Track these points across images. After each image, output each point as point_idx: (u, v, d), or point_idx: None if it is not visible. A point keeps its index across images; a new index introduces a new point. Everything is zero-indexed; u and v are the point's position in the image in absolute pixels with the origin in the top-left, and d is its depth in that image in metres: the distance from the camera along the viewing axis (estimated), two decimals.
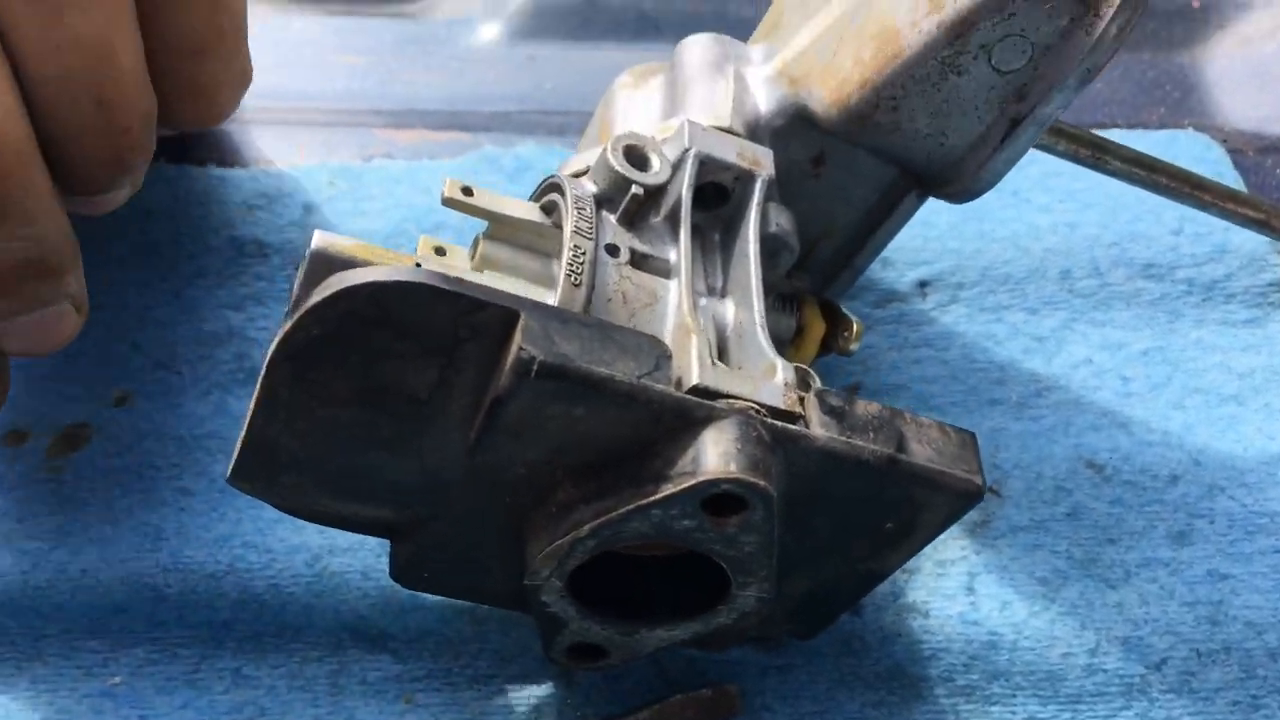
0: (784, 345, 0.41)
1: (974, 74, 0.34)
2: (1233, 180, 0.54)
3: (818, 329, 0.41)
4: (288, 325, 0.28)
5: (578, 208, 0.34)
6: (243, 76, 0.44)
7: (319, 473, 0.31)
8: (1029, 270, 0.51)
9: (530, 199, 0.38)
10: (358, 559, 0.42)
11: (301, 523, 0.36)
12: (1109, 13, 0.32)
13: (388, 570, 0.37)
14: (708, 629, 0.35)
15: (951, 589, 0.43)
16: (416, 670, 0.40)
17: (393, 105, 0.59)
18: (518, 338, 0.29)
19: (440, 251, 0.37)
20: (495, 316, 0.29)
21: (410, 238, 0.52)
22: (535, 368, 0.28)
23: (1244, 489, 0.45)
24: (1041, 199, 0.53)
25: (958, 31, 0.33)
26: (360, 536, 0.41)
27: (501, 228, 0.36)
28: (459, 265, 0.37)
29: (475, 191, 0.36)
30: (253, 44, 0.45)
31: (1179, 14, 0.64)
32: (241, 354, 0.48)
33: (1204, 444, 0.46)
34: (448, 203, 0.36)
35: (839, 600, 0.38)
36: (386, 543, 0.37)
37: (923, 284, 0.51)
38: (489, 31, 0.62)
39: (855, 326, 0.41)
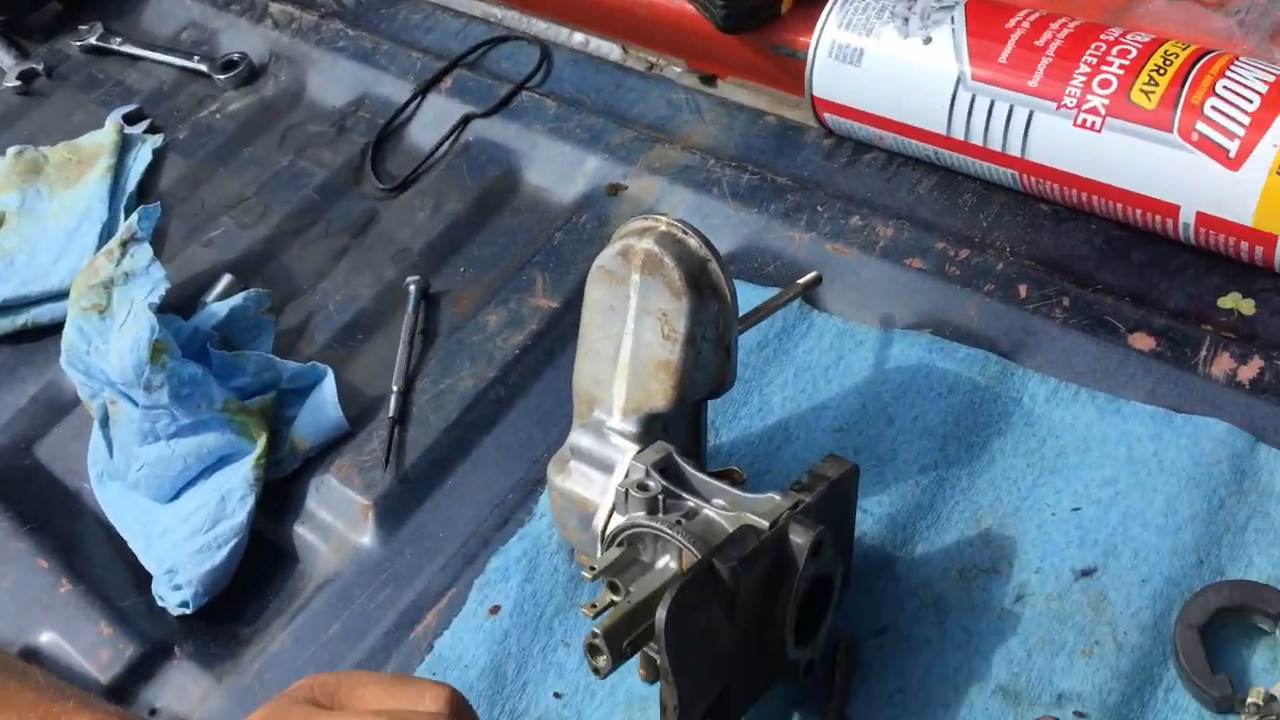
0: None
1: (706, 349, 0.76)
2: None
3: None
4: (662, 615, 0.63)
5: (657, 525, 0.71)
6: None
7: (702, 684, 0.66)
8: None
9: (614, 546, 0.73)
10: None
11: None
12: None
13: None
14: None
15: None
16: None
17: None
18: (724, 570, 0.66)
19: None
20: (708, 567, 0.66)
21: None
22: (733, 567, 0.66)
23: None
24: None
25: (689, 339, 0.75)
26: None
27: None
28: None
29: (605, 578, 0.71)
30: None
31: None
32: None
33: None
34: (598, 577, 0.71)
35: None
36: None
37: None
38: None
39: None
